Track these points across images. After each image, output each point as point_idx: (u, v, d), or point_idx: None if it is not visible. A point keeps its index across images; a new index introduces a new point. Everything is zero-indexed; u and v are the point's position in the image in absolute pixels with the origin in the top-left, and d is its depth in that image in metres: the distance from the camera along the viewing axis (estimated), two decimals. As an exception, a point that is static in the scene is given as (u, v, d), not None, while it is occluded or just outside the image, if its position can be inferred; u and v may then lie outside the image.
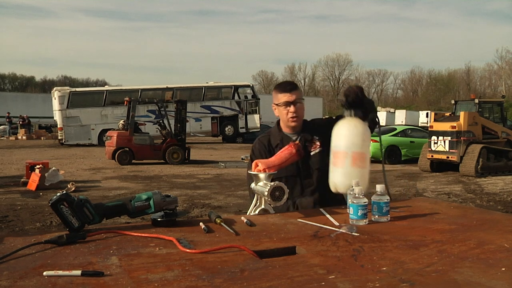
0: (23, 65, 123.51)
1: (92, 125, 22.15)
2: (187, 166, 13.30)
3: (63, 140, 21.81)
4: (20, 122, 30.21)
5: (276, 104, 2.27)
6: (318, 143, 2.24)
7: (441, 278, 1.05)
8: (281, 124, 2.32)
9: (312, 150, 2.24)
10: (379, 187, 1.65)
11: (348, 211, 1.62)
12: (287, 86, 2.27)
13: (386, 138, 14.79)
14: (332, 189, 1.88)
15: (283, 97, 2.22)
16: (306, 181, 2.19)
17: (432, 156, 12.23)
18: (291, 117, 2.21)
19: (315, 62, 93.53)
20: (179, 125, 14.26)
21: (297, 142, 1.97)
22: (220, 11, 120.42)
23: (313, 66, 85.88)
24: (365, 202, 1.58)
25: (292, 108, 2.20)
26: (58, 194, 1.44)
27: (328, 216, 1.67)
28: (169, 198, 1.58)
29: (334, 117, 2.30)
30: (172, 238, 1.34)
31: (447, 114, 13.56)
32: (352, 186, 1.66)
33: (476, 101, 12.80)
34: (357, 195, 1.59)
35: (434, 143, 12.13)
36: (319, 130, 2.25)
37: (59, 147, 21.22)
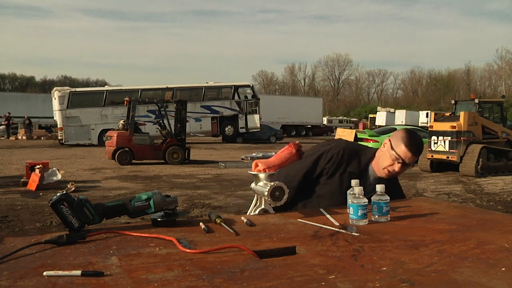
0: (23, 65, 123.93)
1: (92, 125, 22.17)
2: (187, 166, 13.30)
3: (63, 140, 21.83)
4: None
5: (393, 149, 1.96)
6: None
7: (441, 278, 1.05)
8: (375, 161, 2.05)
9: None
10: (379, 187, 1.65)
11: (348, 211, 1.62)
12: (417, 146, 1.98)
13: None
14: None
15: (404, 153, 1.94)
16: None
17: (432, 156, 12.24)
18: (390, 173, 1.98)
19: (315, 62, 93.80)
20: (179, 125, 14.26)
21: (297, 142, 1.95)
22: (220, 11, 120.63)
23: (313, 66, 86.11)
24: (365, 202, 1.58)
25: (398, 167, 1.96)
26: (58, 194, 1.44)
27: (328, 216, 1.67)
28: (169, 198, 1.58)
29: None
30: (172, 238, 1.34)
31: (447, 114, 13.58)
32: (352, 186, 1.66)
33: (476, 101, 12.81)
34: (357, 195, 1.59)
35: (434, 143, 12.13)
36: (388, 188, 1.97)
37: (59, 147, 21.23)
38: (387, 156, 1.97)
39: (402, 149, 1.94)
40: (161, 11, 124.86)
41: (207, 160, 14.55)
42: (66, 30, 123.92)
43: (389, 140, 2.00)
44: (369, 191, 1.73)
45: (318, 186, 2.07)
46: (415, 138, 2.00)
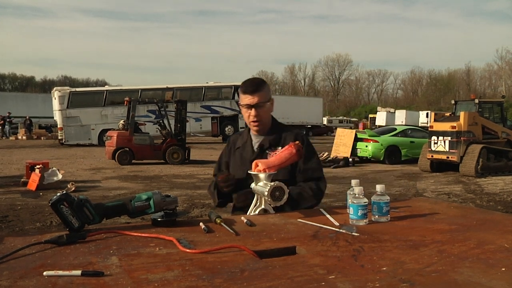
0: (23, 65, 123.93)
1: (92, 125, 22.15)
2: (187, 166, 13.29)
3: (63, 140, 21.82)
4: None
5: (240, 105, 2.17)
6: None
7: (441, 278, 1.05)
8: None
9: None
10: (379, 187, 1.65)
11: (348, 211, 1.62)
12: (250, 87, 2.10)
13: (386, 138, 14.80)
14: None
15: (245, 99, 2.10)
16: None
17: (432, 156, 12.23)
18: (252, 121, 2.12)
19: (315, 62, 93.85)
20: (179, 125, 14.26)
21: (297, 142, 1.95)
22: (220, 11, 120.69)
23: (313, 66, 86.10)
24: (365, 202, 1.58)
25: (253, 112, 2.09)
26: (58, 194, 1.44)
27: (328, 216, 1.67)
28: (169, 198, 1.58)
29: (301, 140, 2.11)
30: (172, 238, 1.34)
31: (447, 114, 13.59)
32: (352, 186, 1.66)
33: (476, 101, 12.80)
34: (357, 195, 1.59)
35: (434, 143, 12.12)
36: (286, 140, 2.11)
37: (59, 147, 21.22)
38: (244, 113, 2.17)
39: (242, 98, 2.12)
40: (161, 11, 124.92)
41: (207, 160, 14.54)
42: (66, 30, 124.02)
43: (239, 103, 2.23)
44: (255, 153, 2.10)
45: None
46: (246, 81, 2.16)
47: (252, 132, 2.22)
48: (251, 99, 2.08)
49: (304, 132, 38.85)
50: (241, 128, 25.01)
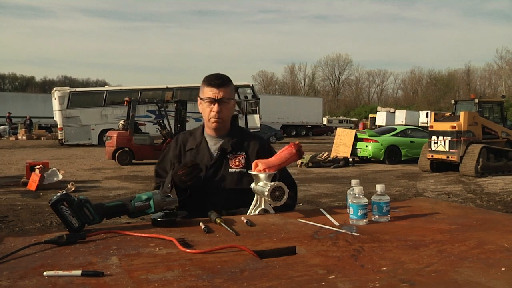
0: (23, 65, 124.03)
1: (92, 125, 22.15)
2: (187, 166, 13.29)
3: (63, 140, 21.83)
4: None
5: (201, 99, 1.97)
6: (243, 160, 1.97)
7: (441, 278, 1.05)
8: (205, 124, 2.04)
9: (232, 166, 1.96)
10: (379, 187, 1.65)
11: (348, 211, 1.62)
12: (216, 79, 1.94)
13: (386, 138, 14.79)
14: None
15: (209, 92, 1.93)
16: (211, 199, 1.89)
17: (432, 156, 12.23)
18: (213, 117, 1.94)
19: (315, 62, 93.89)
20: (179, 125, 14.25)
21: (297, 142, 1.94)
22: (220, 11, 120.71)
23: (313, 66, 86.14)
24: (365, 202, 1.58)
25: (216, 107, 1.92)
26: (58, 194, 1.44)
27: (328, 216, 1.67)
28: (169, 198, 1.58)
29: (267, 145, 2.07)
30: (172, 238, 1.34)
31: (447, 114, 13.56)
32: (352, 186, 1.66)
33: (476, 101, 12.80)
34: (357, 195, 1.59)
35: (434, 143, 12.12)
36: (249, 146, 2.00)
37: (59, 147, 21.23)
38: (204, 109, 1.97)
39: (205, 90, 1.95)
40: (161, 11, 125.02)
41: (207, 160, 14.52)
42: (66, 30, 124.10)
43: (198, 97, 2.01)
44: (214, 157, 1.94)
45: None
46: (211, 74, 1.99)
47: (208, 133, 2.03)
48: (216, 93, 1.91)
49: (304, 133, 38.76)
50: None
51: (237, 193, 1.90)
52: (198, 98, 2.00)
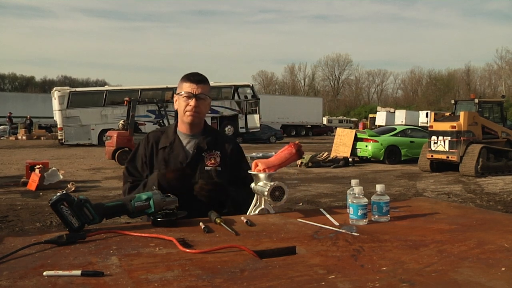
0: (23, 65, 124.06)
1: (92, 125, 22.16)
2: (187, 166, 13.29)
3: (63, 140, 21.83)
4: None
5: (178, 94, 1.98)
6: (218, 159, 1.99)
7: (441, 278, 1.05)
8: (179, 121, 2.04)
9: (208, 164, 1.97)
10: (379, 187, 1.65)
11: (348, 211, 1.62)
12: (196, 76, 1.98)
13: (386, 138, 14.79)
14: None
15: (187, 87, 1.95)
16: (187, 196, 1.83)
17: (432, 156, 12.23)
18: (189, 111, 1.94)
19: (315, 62, 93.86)
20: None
21: (297, 142, 1.94)
22: (220, 11, 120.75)
23: (313, 66, 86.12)
24: (365, 202, 1.58)
25: (193, 102, 1.93)
26: (58, 194, 1.44)
27: (328, 216, 1.67)
28: (169, 198, 1.58)
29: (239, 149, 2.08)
30: (172, 238, 1.34)
31: (447, 114, 13.57)
32: (352, 186, 1.65)
33: (476, 101, 12.80)
34: (357, 195, 1.59)
35: (434, 143, 12.12)
36: (224, 146, 2.03)
37: (59, 147, 21.23)
38: (180, 104, 1.97)
39: (184, 86, 1.96)
40: (161, 11, 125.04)
41: (207, 160, 14.53)
42: (66, 30, 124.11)
43: (175, 94, 2.02)
44: (191, 155, 1.94)
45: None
46: (189, 73, 2.01)
47: (181, 131, 2.03)
48: (194, 88, 1.94)
49: (304, 132, 38.66)
50: (241, 128, 25.01)
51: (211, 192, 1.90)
52: (175, 95, 2.01)
